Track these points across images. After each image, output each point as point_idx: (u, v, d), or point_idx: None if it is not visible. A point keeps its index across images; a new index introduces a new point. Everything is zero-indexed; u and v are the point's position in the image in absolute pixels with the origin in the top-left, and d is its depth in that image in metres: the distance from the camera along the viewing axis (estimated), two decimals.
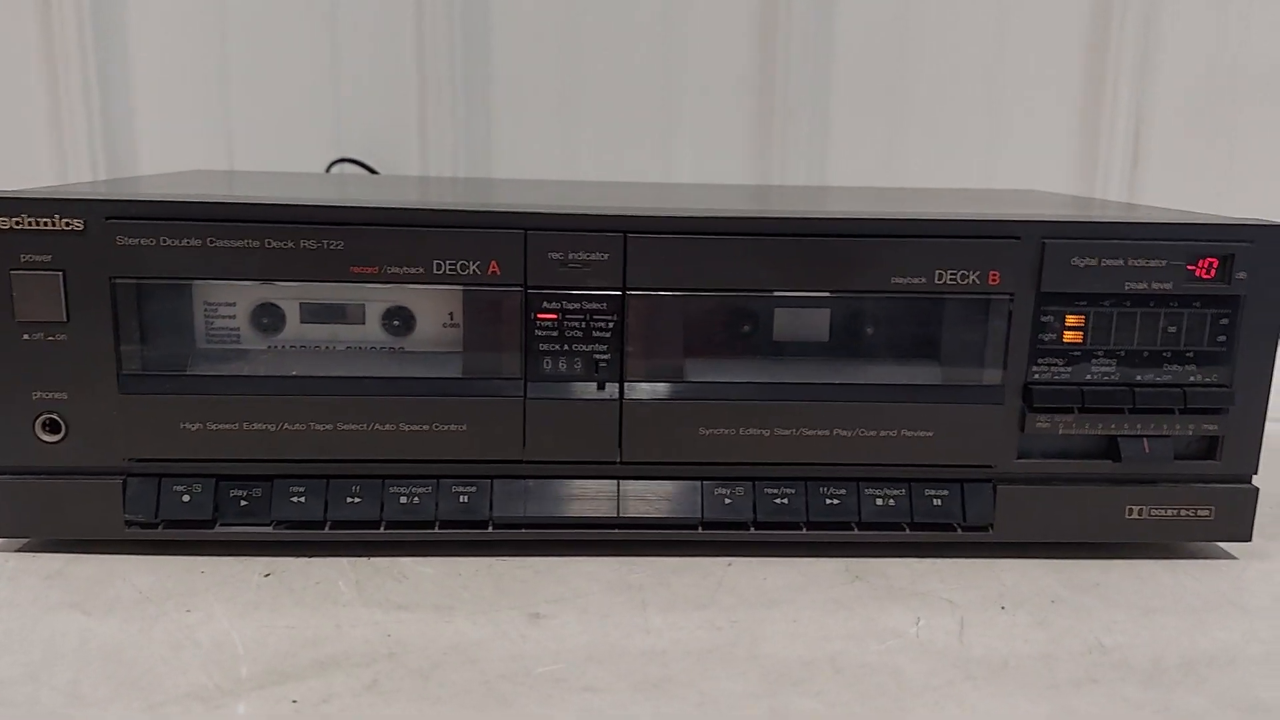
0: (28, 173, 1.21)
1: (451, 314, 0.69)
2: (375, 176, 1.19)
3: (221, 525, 0.69)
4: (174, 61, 1.23)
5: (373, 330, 0.70)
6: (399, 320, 0.70)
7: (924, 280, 0.67)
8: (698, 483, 0.70)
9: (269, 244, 0.65)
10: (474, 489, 0.69)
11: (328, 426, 0.67)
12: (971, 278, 0.67)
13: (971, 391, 0.69)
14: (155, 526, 0.68)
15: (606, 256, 0.66)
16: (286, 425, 0.67)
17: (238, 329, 0.70)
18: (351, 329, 0.70)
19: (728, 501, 0.70)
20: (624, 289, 0.67)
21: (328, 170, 1.23)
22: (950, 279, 0.67)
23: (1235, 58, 1.28)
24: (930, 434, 0.69)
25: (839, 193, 1.02)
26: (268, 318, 0.70)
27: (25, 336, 0.66)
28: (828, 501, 0.70)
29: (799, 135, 1.26)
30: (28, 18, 1.20)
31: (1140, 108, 1.28)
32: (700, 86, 1.27)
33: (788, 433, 0.69)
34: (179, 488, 0.68)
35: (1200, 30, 1.27)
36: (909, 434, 0.69)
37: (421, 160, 1.24)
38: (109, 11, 1.20)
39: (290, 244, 0.65)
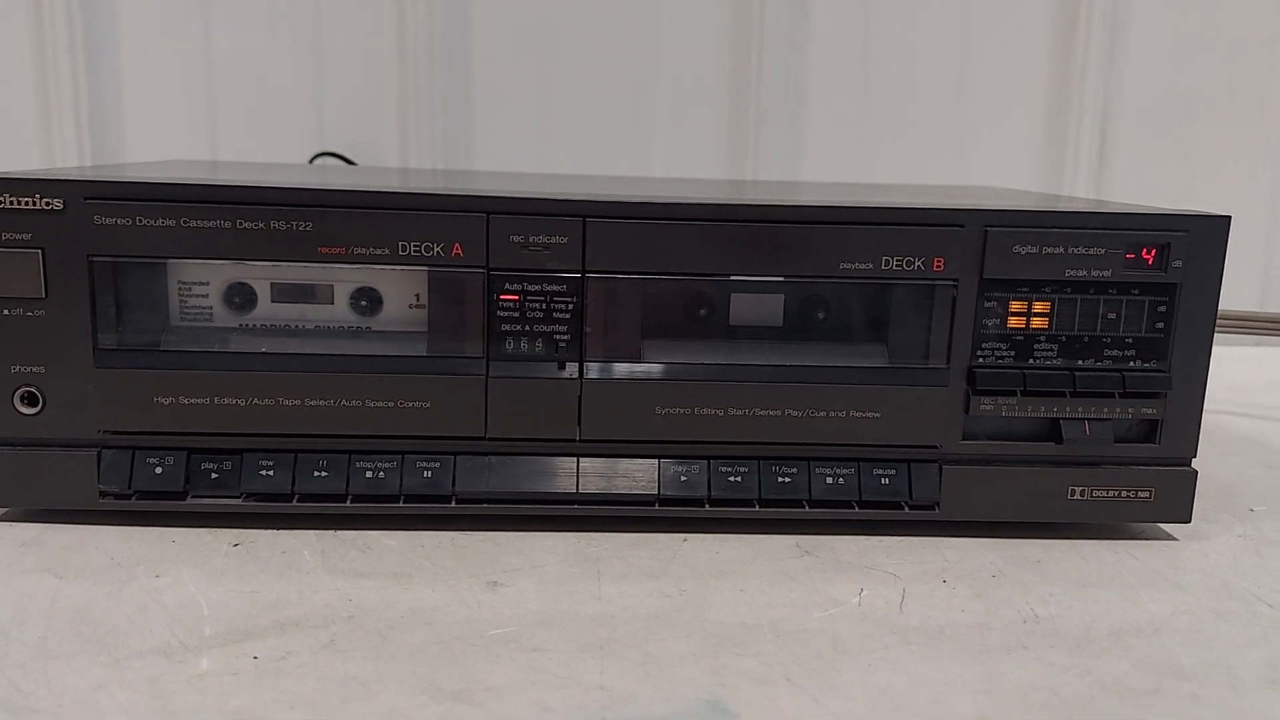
0: (16, 164, 1.24)
1: (418, 295, 0.72)
2: (352, 167, 1.21)
3: (193, 497, 0.71)
4: (160, 58, 1.25)
5: (341, 310, 0.73)
6: (366, 301, 0.72)
7: (871, 266, 0.70)
8: (655, 460, 0.72)
9: (241, 225, 0.67)
10: (437, 464, 0.71)
11: (296, 402, 0.70)
12: (917, 264, 0.70)
13: (917, 374, 0.72)
14: (128, 497, 0.71)
15: (566, 240, 0.69)
16: (256, 400, 0.70)
17: (210, 307, 0.72)
18: (320, 309, 0.72)
19: (683, 479, 0.72)
20: (583, 272, 0.69)
21: (309, 163, 1.25)
22: (896, 265, 0.70)
23: (1195, 64, 1.30)
24: (878, 415, 0.71)
25: (806, 187, 1.05)
26: (239, 297, 0.72)
27: (4, 312, 0.68)
28: (780, 480, 0.72)
29: (771, 137, 1.29)
30: (19, 15, 1.22)
31: (1105, 111, 1.31)
32: (675, 89, 1.29)
33: (741, 413, 0.71)
34: (152, 459, 0.70)
35: (1162, 37, 1.30)
36: (857, 415, 0.71)
37: (401, 157, 1.27)
38: (98, 9, 1.23)
39: (261, 224, 0.68)
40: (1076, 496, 0.73)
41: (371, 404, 0.70)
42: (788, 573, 0.68)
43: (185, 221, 0.67)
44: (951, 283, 0.70)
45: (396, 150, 1.27)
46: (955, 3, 1.30)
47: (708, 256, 0.69)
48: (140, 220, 0.67)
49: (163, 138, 1.27)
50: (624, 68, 1.29)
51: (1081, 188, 1.32)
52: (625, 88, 1.29)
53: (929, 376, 0.71)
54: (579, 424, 0.71)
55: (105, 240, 0.67)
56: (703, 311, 0.73)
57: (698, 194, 0.78)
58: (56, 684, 0.53)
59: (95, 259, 0.68)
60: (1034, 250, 0.70)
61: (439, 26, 1.24)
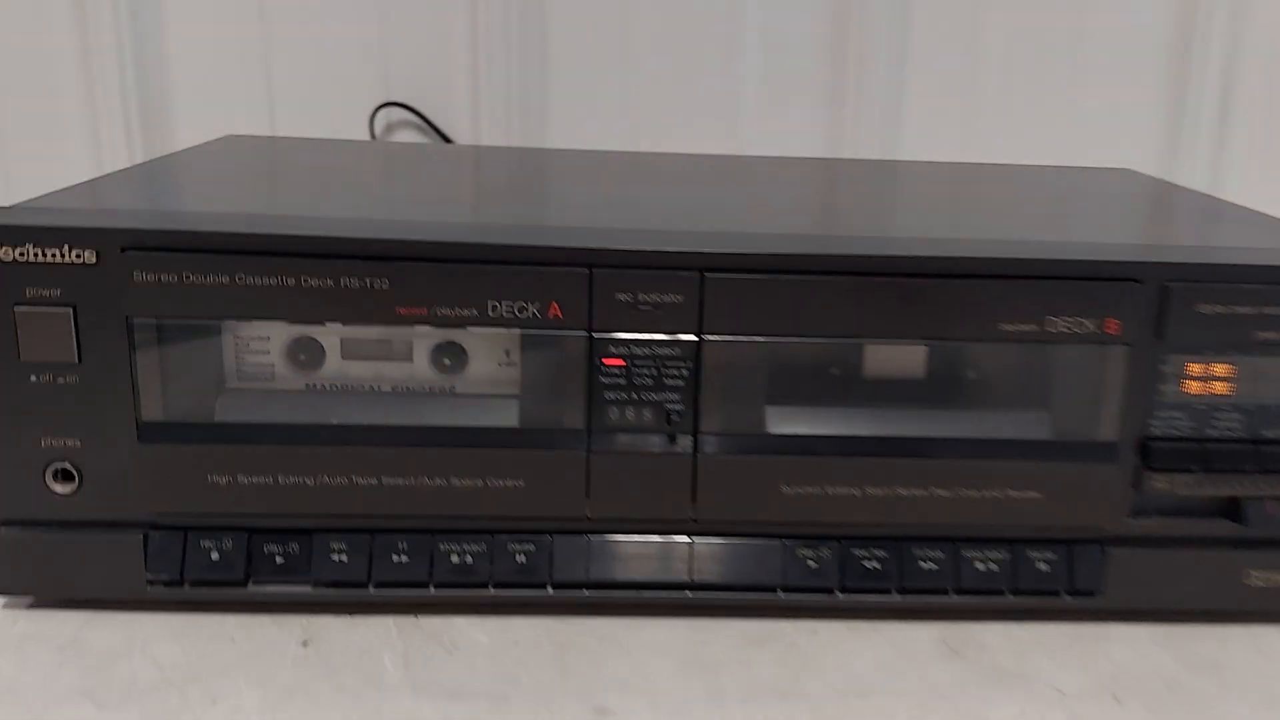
0: (57, 128, 1.18)
1: (508, 351, 0.63)
2: (426, 151, 1.10)
3: (254, 584, 0.62)
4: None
5: (421, 368, 0.64)
6: (449, 358, 0.63)
7: (1035, 328, 0.60)
8: (779, 542, 0.64)
9: (306, 282, 0.58)
10: (532, 547, 0.63)
11: (372, 480, 0.61)
12: (1088, 325, 0.60)
13: (1084, 449, 0.63)
14: (180, 585, 0.62)
15: (681, 299, 0.59)
16: (326, 478, 0.61)
17: (272, 365, 0.63)
18: (398, 366, 0.64)
19: (812, 564, 0.63)
20: (700, 334, 0.60)
21: (374, 114, 1.17)
22: (1064, 327, 0.60)
23: None
24: (1039, 495, 0.62)
25: (914, 169, 0.95)
26: (305, 354, 0.63)
27: (33, 378, 0.59)
28: (922, 565, 0.63)
29: (873, 109, 1.19)
30: None
31: (1227, 81, 1.21)
32: (767, 54, 1.19)
33: (880, 492, 0.62)
34: (207, 543, 0.62)
35: None
36: (1015, 494, 0.62)
37: (472, 113, 1.17)
38: None
39: (330, 282, 0.58)
40: (1256, 582, 0.65)
41: (457, 482, 0.61)
42: (938, 689, 0.59)
43: (240, 278, 0.58)
44: (1126, 346, 0.61)
45: (467, 105, 1.17)
46: None
47: (844, 316, 0.60)
48: (187, 277, 0.58)
49: (216, 83, 1.18)
50: (713, 23, 1.18)
51: (1200, 167, 1.21)
52: (713, 46, 1.19)
53: (1097, 451, 0.62)
54: (693, 503, 0.63)
55: (146, 298, 0.58)
56: (835, 373, 0.64)
57: (829, 247, 0.69)
58: None
59: (135, 320, 0.59)
60: (1221, 309, 0.60)
61: None
